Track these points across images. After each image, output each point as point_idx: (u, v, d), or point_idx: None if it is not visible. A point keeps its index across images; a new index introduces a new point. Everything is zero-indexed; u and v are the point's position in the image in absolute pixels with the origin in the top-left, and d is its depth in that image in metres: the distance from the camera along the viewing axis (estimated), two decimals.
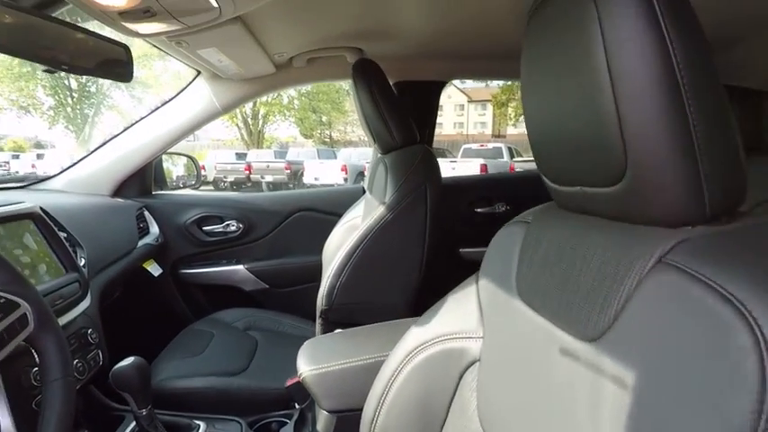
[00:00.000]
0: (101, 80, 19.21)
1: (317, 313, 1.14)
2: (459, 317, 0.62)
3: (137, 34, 0.89)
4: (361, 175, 12.56)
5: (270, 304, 1.68)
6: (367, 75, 1.20)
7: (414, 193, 1.09)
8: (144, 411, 0.93)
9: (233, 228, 1.69)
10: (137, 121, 1.55)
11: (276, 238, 1.73)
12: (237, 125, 20.50)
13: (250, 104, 19.66)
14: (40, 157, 15.31)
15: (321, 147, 19.83)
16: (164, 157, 1.74)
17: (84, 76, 19.19)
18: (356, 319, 1.13)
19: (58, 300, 0.91)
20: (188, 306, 1.70)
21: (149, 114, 1.54)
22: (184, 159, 2.10)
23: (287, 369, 1.17)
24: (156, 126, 1.53)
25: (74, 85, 19.33)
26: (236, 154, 15.28)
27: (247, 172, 13.30)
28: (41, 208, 1.03)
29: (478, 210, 1.71)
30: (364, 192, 1.79)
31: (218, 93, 1.49)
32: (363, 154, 14.80)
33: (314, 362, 0.83)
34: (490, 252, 0.61)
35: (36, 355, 0.64)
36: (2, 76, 17.79)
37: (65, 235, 1.06)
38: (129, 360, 0.92)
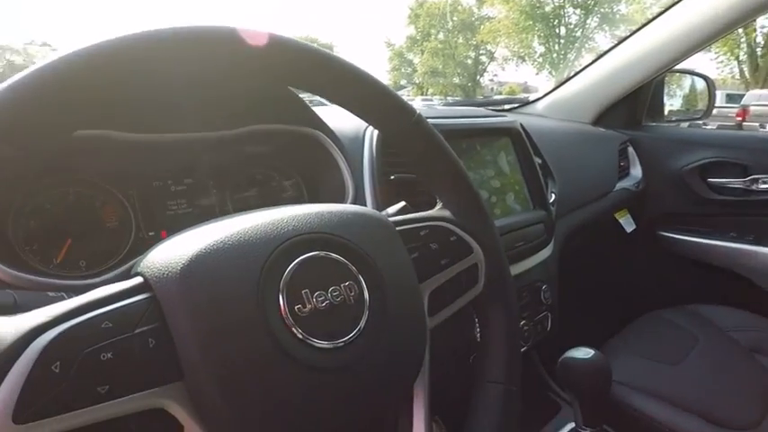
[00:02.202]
0: (588, 23, 19.72)
1: None
2: None
3: None
4: None
5: None
6: None
7: None
8: None
9: (764, 186, 1.06)
10: (636, 30, 1.15)
11: None
12: (738, 58, 16.07)
13: (763, 28, 14.79)
14: None
15: None
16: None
17: (573, 22, 20.14)
18: None
19: (519, 241, 0.73)
20: (659, 282, 1.27)
21: (655, 19, 1.10)
22: (688, 84, 1.55)
23: None
24: (660, 34, 1.08)
25: (562, 31, 20.72)
26: (727, 95, 12.12)
27: (739, 118, 10.34)
28: (521, 125, 0.85)
29: None
30: None
31: None
32: None
33: None
34: None
35: (477, 330, 0.44)
36: (510, 31, 21.34)
37: (539, 161, 0.87)
38: (587, 352, 0.63)
